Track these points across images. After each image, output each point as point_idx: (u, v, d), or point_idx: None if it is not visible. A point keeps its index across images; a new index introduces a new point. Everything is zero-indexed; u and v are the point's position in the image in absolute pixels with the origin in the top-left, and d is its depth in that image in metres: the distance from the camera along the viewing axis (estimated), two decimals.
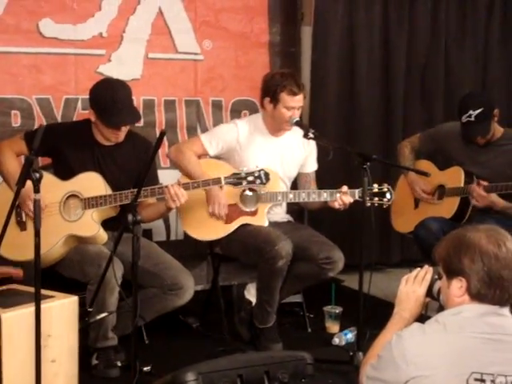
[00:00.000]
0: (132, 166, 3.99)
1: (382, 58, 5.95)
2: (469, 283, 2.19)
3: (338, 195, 4.10)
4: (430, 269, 2.46)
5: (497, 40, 6.31)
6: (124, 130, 3.90)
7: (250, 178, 3.85)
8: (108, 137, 3.92)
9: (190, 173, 4.17)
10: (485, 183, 4.37)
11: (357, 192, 4.04)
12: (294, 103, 4.17)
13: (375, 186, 4.05)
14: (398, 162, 4.90)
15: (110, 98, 3.79)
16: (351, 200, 4.10)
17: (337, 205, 4.12)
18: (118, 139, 3.93)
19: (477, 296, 2.19)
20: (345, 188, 4.11)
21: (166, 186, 3.76)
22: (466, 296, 2.21)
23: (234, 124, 4.36)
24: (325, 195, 4.17)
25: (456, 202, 4.55)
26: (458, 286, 2.22)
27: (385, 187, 4.09)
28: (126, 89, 3.92)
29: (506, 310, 2.21)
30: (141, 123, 4.73)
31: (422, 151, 4.90)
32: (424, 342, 2.16)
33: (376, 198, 4.05)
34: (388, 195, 4.08)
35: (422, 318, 2.46)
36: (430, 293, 2.49)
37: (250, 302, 4.34)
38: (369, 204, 3.89)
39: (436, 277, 2.45)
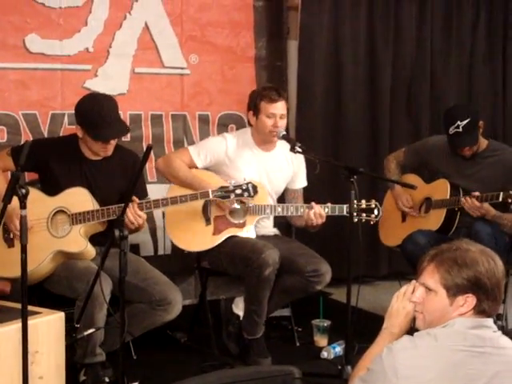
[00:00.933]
0: (119, 181, 3.98)
1: (367, 70, 5.97)
2: (479, 300, 2.23)
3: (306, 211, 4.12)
4: (418, 284, 2.46)
5: (482, 53, 6.36)
6: (112, 143, 3.90)
7: (238, 191, 3.86)
8: (97, 151, 3.91)
9: (181, 179, 4.20)
10: (477, 193, 4.37)
11: (345, 207, 4.04)
12: (274, 110, 4.20)
13: (363, 201, 4.07)
14: (384, 176, 4.92)
15: (97, 112, 3.78)
16: (323, 213, 4.10)
17: (312, 221, 4.13)
18: (106, 153, 3.92)
19: (483, 312, 2.24)
20: (312, 204, 4.13)
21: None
22: (471, 312, 2.24)
23: (222, 137, 4.37)
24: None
25: (442, 213, 4.57)
26: (463, 302, 2.24)
27: (373, 203, 4.11)
28: (112, 102, 3.91)
29: (490, 322, 2.24)
30: (128, 138, 4.75)
31: (407, 165, 4.93)
32: (415, 355, 2.16)
33: (364, 214, 4.07)
34: (376, 211, 4.10)
35: (410, 330, 2.47)
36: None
37: (238, 317, 4.33)
38: (356, 220, 3.91)
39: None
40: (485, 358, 2.14)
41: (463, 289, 2.23)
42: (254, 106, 4.26)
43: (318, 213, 4.12)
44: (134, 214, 3.73)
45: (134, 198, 3.77)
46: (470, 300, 2.23)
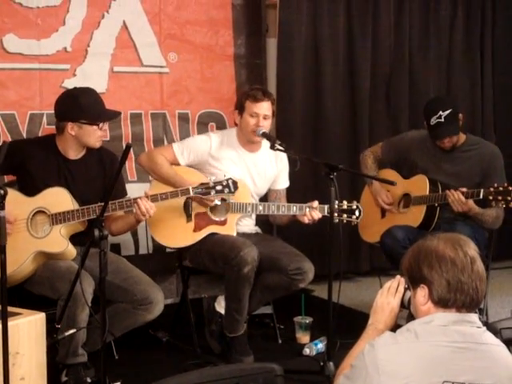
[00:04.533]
0: (99, 180, 3.98)
1: (346, 67, 6.00)
2: (430, 289, 2.21)
3: (308, 210, 4.13)
4: (402, 280, 2.47)
5: (460, 50, 6.39)
6: (106, 129, 3.96)
7: (219, 188, 3.87)
8: (94, 143, 3.90)
9: (163, 176, 4.21)
10: (464, 189, 4.38)
11: (326, 208, 4.06)
12: (258, 109, 4.21)
13: (345, 202, 4.09)
14: (362, 172, 4.93)
15: (94, 99, 3.88)
16: (320, 215, 4.13)
17: (306, 220, 4.15)
18: (105, 137, 3.94)
19: (439, 302, 2.20)
20: (315, 203, 4.14)
21: (136, 201, 3.76)
22: (430, 303, 2.22)
23: (207, 136, 4.37)
24: (294, 209, 4.19)
25: (422, 210, 4.58)
26: (422, 295, 2.24)
27: (354, 204, 4.14)
28: (96, 92, 3.99)
29: (474, 317, 2.23)
30: (107, 137, 4.72)
31: (384, 160, 4.94)
32: (396, 350, 2.17)
33: (345, 215, 4.09)
34: (357, 213, 4.13)
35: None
36: (401, 302, 2.50)
37: (221, 315, 4.32)
38: (337, 220, 3.92)
39: (406, 286, 2.46)
40: (466, 354, 2.14)
41: (418, 280, 2.24)
42: (239, 104, 4.28)
43: (317, 217, 4.13)
44: (146, 205, 3.76)
45: (145, 191, 3.87)
46: (423, 291, 2.23)
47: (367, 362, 2.18)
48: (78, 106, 3.83)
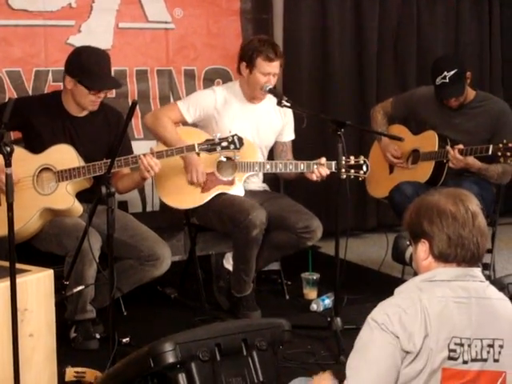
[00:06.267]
0: (104, 138, 3.96)
1: (354, 23, 5.94)
2: (430, 244, 2.19)
3: (316, 167, 4.11)
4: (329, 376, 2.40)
5: (468, 5, 6.32)
6: (101, 96, 3.87)
7: (224, 144, 3.84)
8: (85, 104, 3.86)
9: (166, 139, 4.15)
10: (460, 146, 4.37)
11: (333, 164, 4.03)
12: (270, 69, 4.16)
13: (352, 158, 4.07)
14: (371, 127, 4.91)
15: (95, 61, 3.79)
16: (328, 172, 4.11)
17: (314, 177, 4.14)
18: (94, 107, 3.88)
19: (439, 256, 2.18)
20: (323, 160, 4.12)
21: (139, 157, 3.74)
22: (431, 258, 2.20)
23: (211, 90, 4.34)
24: (302, 166, 4.17)
25: (431, 166, 4.56)
26: (422, 249, 2.22)
27: (361, 159, 4.12)
28: (107, 56, 3.92)
29: (477, 271, 2.21)
30: (113, 94, 4.70)
31: (394, 116, 4.91)
32: (405, 317, 2.10)
33: (352, 171, 4.08)
34: (364, 168, 4.12)
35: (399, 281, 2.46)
36: (402, 259, 2.49)
37: (229, 272, 4.34)
38: (344, 176, 3.91)
39: (407, 243, 2.45)
40: (470, 309, 2.12)
41: (419, 235, 2.22)
42: (249, 59, 4.18)
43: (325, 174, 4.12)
44: (150, 161, 3.73)
45: (151, 147, 3.85)
46: (424, 246, 2.21)
47: (375, 322, 2.14)
48: (79, 63, 3.80)
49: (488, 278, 4.18)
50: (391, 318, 2.10)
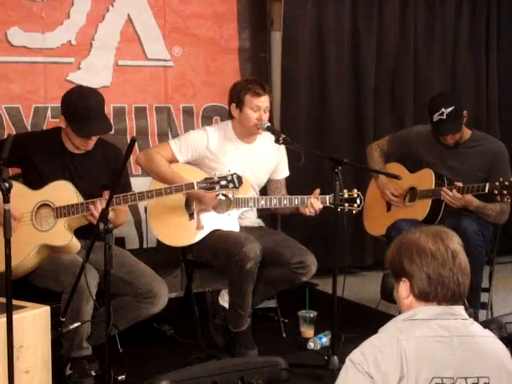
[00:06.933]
0: (103, 174, 3.97)
1: (351, 61, 5.99)
2: (411, 283, 2.19)
3: (309, 200, 4.12)
4: None
5: (465, 42, 6.39)
6: (94, 139, 3.89)
7: (223, 182, 3.85)
8: (78, 145, 3.90)
9: (161, 176, 4.16)
10: (460, 184, 4.39)
11: (328, 198, 4.07)
12: (260, 103, 4.20)
13: (345, 191, 4.08)
14: (367, 165, 4.93)
15: (82, 106, 3.77)
16: (321, 206, 4.12)
17: (307, 211, 4.14)
18: (87, 148, 3.91)
19: (420, 295, 2.18)
20: (317, 191, 4.13)
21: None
22: (412, 297, 2.20)
23: (203, 131, 4.36)
24: (296, 201, 4.18)
25: (428, 203, 4.58)
26: (404, 288, 2.21)
27: (354, 193, 4.13)
28: (99, 98, 3.90)
29: (459, 309, 2.20)
30: (112, 131, 4.71)
31: (391, 153, 4.94)
32: (381, 358, 2.08)
33: (346, 204, 4.08)
34: (358, 201, 4.12)
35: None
36: (391, 298, 2.48)
37: (225, 309, 4.32)
38: (339, 210, 3.91)
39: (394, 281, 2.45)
40: (451, 348, 2.11)
41: (400, 273, 2.21)
42: (237, 98, 4.25)
43: (318, 208, 4.13)
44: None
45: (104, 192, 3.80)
46: (405, 284, 2.21)
47: (352, 361, 2.12)
48: (68, 106, 3.82)
49: (473, 316, 4.16)
50: (367, 358, 2.09)
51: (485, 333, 2.22)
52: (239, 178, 3.88)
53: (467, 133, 4.61)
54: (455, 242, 2.21)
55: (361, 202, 4.12)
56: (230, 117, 4.35)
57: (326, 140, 5.92)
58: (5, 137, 4.52)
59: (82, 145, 3.88)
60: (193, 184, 3.85)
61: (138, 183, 4.43)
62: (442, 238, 2.19)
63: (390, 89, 6.18)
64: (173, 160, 4.27)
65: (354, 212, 4.14)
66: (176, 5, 5.28)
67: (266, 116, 4.23)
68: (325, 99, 5.91)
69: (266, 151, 4.40)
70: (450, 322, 2.16)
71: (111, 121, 3.94)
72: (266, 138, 4.31)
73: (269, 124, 4.20)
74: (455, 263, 2.17)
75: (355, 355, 2.12)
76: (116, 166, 3.89)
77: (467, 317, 2.22)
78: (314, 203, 4.12)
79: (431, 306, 2.18)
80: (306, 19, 5.75)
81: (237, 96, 4.25)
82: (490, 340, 2.21)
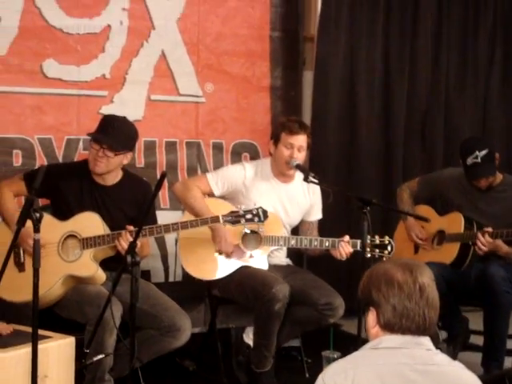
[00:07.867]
0: (129, 208, 4.00)
1: (382, 101, 5.98)
2: (377, 313, 2.18)
3: (340, 245, 4.11)
4: None
5: (497, 88, 6.35)
6: (104, 161, 3.87)
7: (249, 216, 3.86)
8: (91, 164, 3.91)
9: (195, 210, 4.16)
10: (490, 230, 4.36)
11: (358, 242, 4.03)
12: (293, 141, 4.21)
13: (377, 237, 4.07)
14: (397, 206, 4.91)
15: (108, 120, 3.91)
16: (351, 250, 4.11)
17: (338, 255, 4.13)
18: (96, 167, 3.88)
19: (386, 326, 2.17)
20: (346, 238, 4.12)
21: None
22: (377, 326, 2.20)
23: (241, 166, 4.38)
24: (327, 243, 4.17)
25: (456, 248, 4.54)
26: (371, 317, 2.21)
27: (386, 240, 4.12)
28: (127, 123, 3.99)
29: (424, 340, 2.18)
30: (142, 164, 4.75)
31: (420, 195, 4.91)
32: (344, 380, 2.10)
33: (377, 250, 4.07)
34: (389, 248, 4.11)
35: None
36: None
37: (249, 346, 4.30)
38: (369, 255, 3.90)
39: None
40: (415, 376, 2.08)
41: (368, 303, 2.21)
42: (275, 136, 4.29)
43: (349, 252, 4.12)
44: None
45: (127, 226, 3.79)
46: (372, 314, 2.20)
47: None
48: (101, 120, 3.95)
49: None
50: (326, 382, 2.12)
51: (454, 363, 2.20)
52: (264, 212, 3.88)
53: (498, 177, 4.57)
54: (425, 276, 2.20)
55: (392, 249, 4.10)
56: (269, 154, 4.37)
57: (354, 179, 5.90)
58: (36, 167, 4.58)
59: (93, 160, 3.89)
60: (218, 217, 3.85)
61: (166, 217, 4.44)
62: (411, 270, 2.19)
63: (420, 130, 6.16)
64: (209, 192, 4.29)
65: (384, 259, 4.12)
66: (209, 42, 5.33)
67: (299, 155, 4.23)
68: (354, 139, 5.90)
69: (300, 192, 4.41)
70: (414, 351, 2.15)
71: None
72: (301, 179, 4.29)
73: (298, 162, 4.20)
74: (422, 297, 2.16)
75: (317, 379, 2.15)
76: (144, 200, 3.91)
77: (433, 347, 2.20)
78: (345, 246, 4.10)
79: (396, 336, 2.17)
80: (338, 59, 5.77)
81: (275, 134, 4.30)
82: (455, 369, 2.18)
